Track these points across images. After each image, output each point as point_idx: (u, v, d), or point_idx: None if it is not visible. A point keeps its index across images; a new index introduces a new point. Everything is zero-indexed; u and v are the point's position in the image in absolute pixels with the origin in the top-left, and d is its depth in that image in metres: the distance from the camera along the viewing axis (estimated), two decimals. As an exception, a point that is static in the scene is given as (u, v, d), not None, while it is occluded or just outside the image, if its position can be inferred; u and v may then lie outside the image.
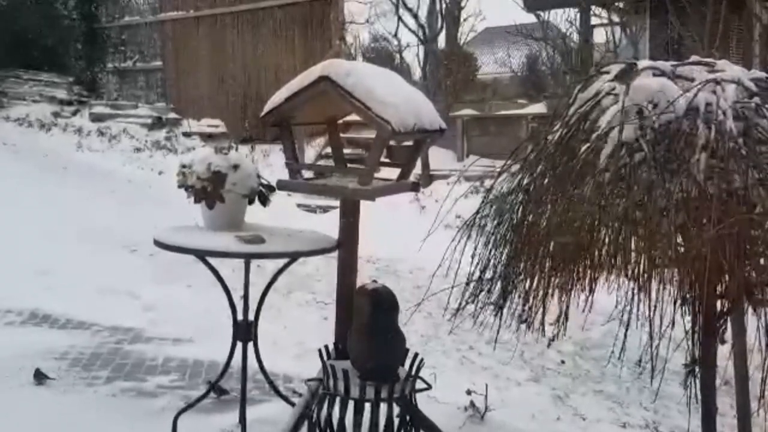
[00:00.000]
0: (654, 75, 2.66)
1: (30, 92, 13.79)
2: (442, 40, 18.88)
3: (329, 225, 3.35)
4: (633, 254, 2.65)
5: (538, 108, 11.80)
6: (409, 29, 20.15)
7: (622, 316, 2.65)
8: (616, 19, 13.83)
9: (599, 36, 15.44)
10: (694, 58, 2.80)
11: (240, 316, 3.24)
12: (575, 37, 15.98)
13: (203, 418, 3.51)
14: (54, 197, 8.63)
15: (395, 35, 20.80)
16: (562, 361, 5.61)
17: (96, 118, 13.21)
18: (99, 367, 4.34)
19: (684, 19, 9.29)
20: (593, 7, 14.15)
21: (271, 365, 3.48)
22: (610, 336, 2.78)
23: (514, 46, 19.97)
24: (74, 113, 13.40)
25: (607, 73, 2.79)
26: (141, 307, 5.61)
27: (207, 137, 12.96)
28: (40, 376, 4.02)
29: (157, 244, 3.05)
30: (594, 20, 14.93)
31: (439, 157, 11.35)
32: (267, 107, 3.05)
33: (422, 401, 3.01)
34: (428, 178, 10.76)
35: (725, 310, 2.65)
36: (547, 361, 5.56)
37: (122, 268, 6.63)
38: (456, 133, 11.84)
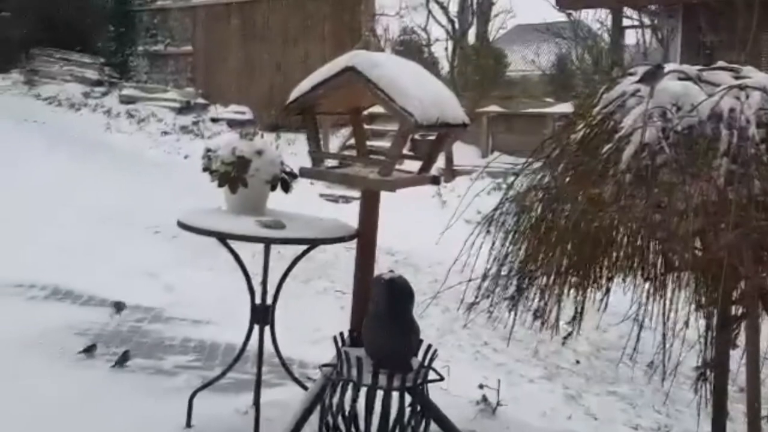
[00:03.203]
0: (679, 79, 2.66)
1: (61, 72, 13.94)
2: (472, 36, 18.81)
3: (351, 215, 3.39)
4: (650, 256, 2.66)
5: (566, 107, 11.75)
6: (439, 23, 20.06)
7: (637, 316, 2.66)
8: (647, 21, 13.72)
9: (630, 38, 15.36)
10: (720, 63, 2.80)
11: (258, 300, 3.28)
12: (606, 37, 15.89)
13: (219, 397, 3.57)
14: (81, 177, 8.74)
15: (425, 29, 20.73)
16: (577, 361, 5.61)
17: (125, 100, 13.35)
18: (119, 344, 4.41)
19: (715, 25, 9.20)
20: (625, 9, 14.05)
21: (287, 350, 3.53)
22: (627, 338, 2.79)
23: (544, 45, 19.88)
24: (104, 94, 13.54)
25: (633, 74, 2.79)
26: (162, 288, 5.69)
27: (234, 123, 13.04)
28: (90, 350, 4.20)
29: (180, 225, 3.10)
30: (625, 21, 14.84)
31: (463, 153, 11.35)
32: (292, 95, 3.08)
33: (434, 393, 3.03)
34: (451, 173, 10.76)
35: (740, 314, 2.66)
36: (561, 360, 5.57)
37: (145, 248, 6.72)
38: (481, 129, 11.82)
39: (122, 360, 4.09)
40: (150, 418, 3.42)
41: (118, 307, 4.81)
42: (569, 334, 2.99)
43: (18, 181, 7.89)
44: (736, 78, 2.63)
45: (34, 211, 7.00)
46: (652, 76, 2.63)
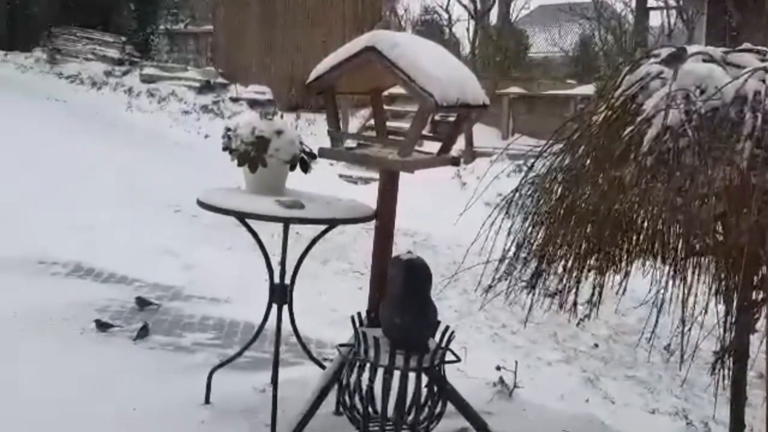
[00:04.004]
0: (704, 61, 2.62)
1: (83, 50, 14.00)
2: (493, 16, 18.68)
3: (370, 196, 3.39)
4: (671, 240, 2.64)
5: (588, 89, 11.63)
6: (461, 3, 19.94)
7: (655, 300, 2.64)
8: (672, 2, 13.55)
9: (655, 19, 15.19)
10: (745, 45, 2.75)
11: (277, 280, 3.30)
12: (630, 18, 15.71)
13: (237, 375, 3.60)
14: (101, 156, 8.80)
15: (446, 9, 20.60)
16: (596, 345, 5.61)
17: (146, 79, 13.39)
18: (138, 321, 4.45)
19: (742, 6, 9.07)
20: (650, -11, 13.90)
21: (304, 330, 3.55)
22: (646, 322, 2.78)
23: (567, 26, 19.69)
24: (125, 73, 13.59)
25: (657, 56, 2.76)
26: (181, 266, 5.73)
27: (254, 103, 13.06)
28: (103, 326, 4.23)
29: (200, 204, 3.12)
30: (650, 2, 14.67)
31: (483, 135, 11.29)
32: (312, 74, 3.08)
33: (451, 374, 3.04)
34: (471, 154, 10.72)
35: (760, 299, 2.63)
36: (580, 344, 5.57)
37: (165, 227, 6.76)
38: (502, 111, 11.74)
39: (142, 333, 4.14)
40: (169, 394, 3.46)
41: (141, 302, 4.78)
42: (585, 316, 2.98)
43: (40, 159, 7.95)
44: (762, 60, 2.59)
45: (55, 189, 7.06)
46: (676, 58, 2.60)
